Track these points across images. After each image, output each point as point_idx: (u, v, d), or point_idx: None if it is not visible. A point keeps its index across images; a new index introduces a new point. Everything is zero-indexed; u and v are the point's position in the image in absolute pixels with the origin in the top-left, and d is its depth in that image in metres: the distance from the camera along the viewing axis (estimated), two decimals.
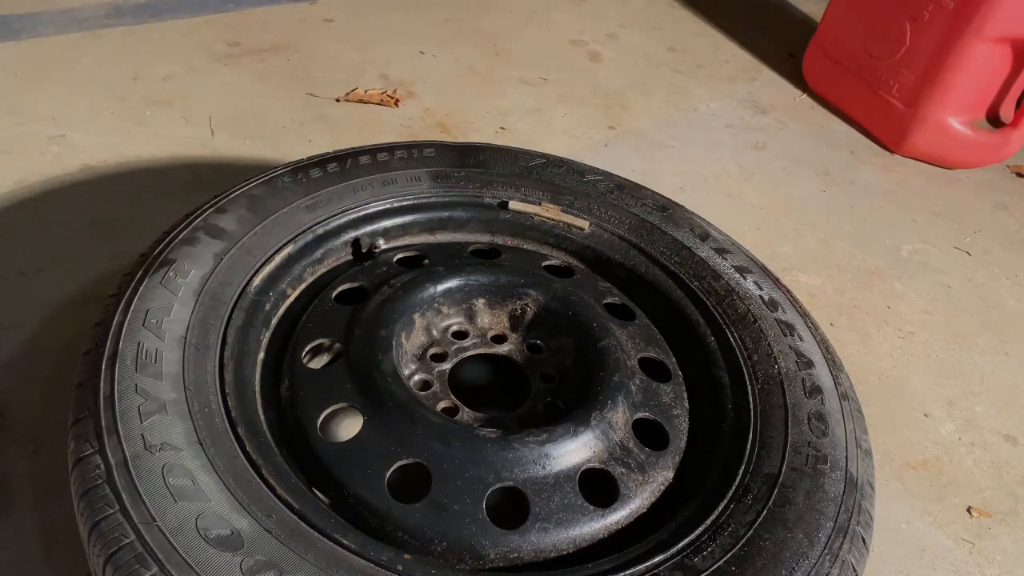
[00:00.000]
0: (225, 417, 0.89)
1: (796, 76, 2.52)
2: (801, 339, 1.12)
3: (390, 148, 1.32)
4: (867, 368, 1.56)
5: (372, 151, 1.30)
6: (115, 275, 1.03)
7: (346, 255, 1.23)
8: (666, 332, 1.20)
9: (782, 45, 2.68)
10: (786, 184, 2.07)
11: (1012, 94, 2.16)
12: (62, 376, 1.23)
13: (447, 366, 1.11)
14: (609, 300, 1.22)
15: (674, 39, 2.65)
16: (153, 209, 1.58)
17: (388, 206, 1.25)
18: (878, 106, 2.26)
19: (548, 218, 1.29)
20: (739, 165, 2.10)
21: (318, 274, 1.20)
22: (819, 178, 2.11)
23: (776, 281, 1.23)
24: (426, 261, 1.23)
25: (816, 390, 1.05)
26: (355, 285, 1.17)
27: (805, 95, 2.46)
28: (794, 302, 1.20)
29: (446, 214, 1.29)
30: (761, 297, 1.18)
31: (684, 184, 1.98)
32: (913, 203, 2.09)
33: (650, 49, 2.57)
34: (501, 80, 2.26)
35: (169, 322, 0.95)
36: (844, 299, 1.73)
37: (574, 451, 0.95)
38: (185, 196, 1.56)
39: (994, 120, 2.18)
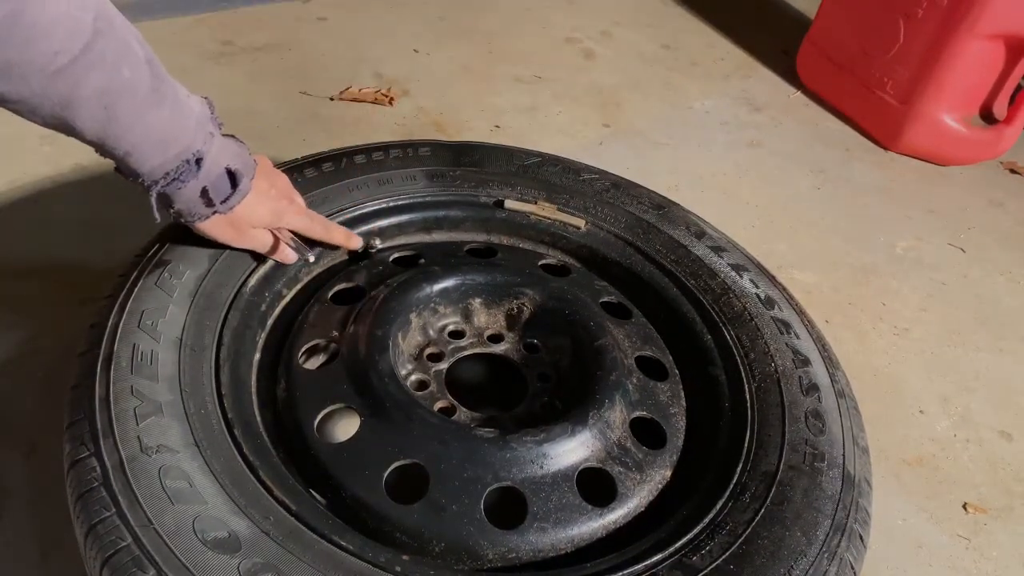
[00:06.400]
0: (222, 419, 0.88)
1: (790, 73, 2.52)
2: (797, 337, 1.12)
3: (385, 147, 1.31)
4: (863, 365, 1.57)
5: (367, 150, 1.30)
6: (110, 276, 1.02)
7: (342, 255, 1.22)
8: (663, 330, 1.19)
9: (776, 42, 2.68)
10: (781, 182, 2.07)
11: (1005, 91, 2.16)
12: (57, 378, 1.23)
13: (444, 366, 1.11)
14: (606, 299, 1.22)
15: (668, 37, 2.65)
16: (147, 209, 1.56)
17: (383, 205, 1.24)
18: (872, 103, 2.27)
19: (544, 217, 1.29)
20: (734, 163, 2.10)
21: (313, 274, 1.19)
22: (814, 175, 2.12)
23: (772, 279, 1.23)
24: (422, 260, 1.22)
25: (813, 388, 1.05)
26: (351, 285, 1.16)
27: (799, 92, 2.47)
28: (790, 300, 1.20)
29: (442, 213, 1.29)
30: (757, 295, 1.18)
31: (679, 182, 1.98)
32: (907, 200, 2.09)
33: (644, 47, 2.57)
34: (495, 78, 2.26)
35: (164, 323, 0.94)
36: (839, 296, 1.73)
37: (572, 450, 0.95)
38: None
39: (988, 117, 2.19)
